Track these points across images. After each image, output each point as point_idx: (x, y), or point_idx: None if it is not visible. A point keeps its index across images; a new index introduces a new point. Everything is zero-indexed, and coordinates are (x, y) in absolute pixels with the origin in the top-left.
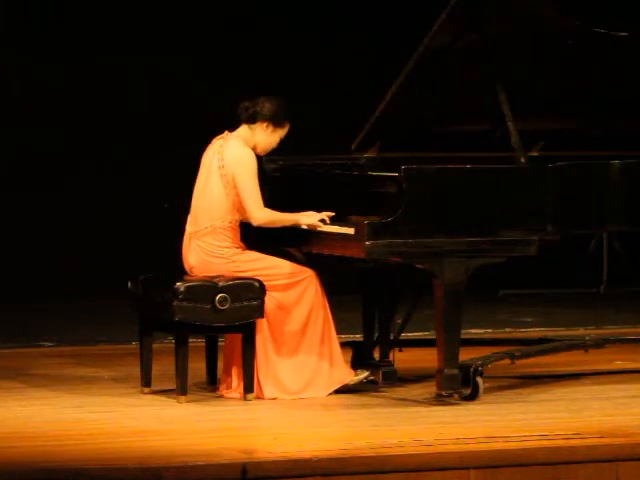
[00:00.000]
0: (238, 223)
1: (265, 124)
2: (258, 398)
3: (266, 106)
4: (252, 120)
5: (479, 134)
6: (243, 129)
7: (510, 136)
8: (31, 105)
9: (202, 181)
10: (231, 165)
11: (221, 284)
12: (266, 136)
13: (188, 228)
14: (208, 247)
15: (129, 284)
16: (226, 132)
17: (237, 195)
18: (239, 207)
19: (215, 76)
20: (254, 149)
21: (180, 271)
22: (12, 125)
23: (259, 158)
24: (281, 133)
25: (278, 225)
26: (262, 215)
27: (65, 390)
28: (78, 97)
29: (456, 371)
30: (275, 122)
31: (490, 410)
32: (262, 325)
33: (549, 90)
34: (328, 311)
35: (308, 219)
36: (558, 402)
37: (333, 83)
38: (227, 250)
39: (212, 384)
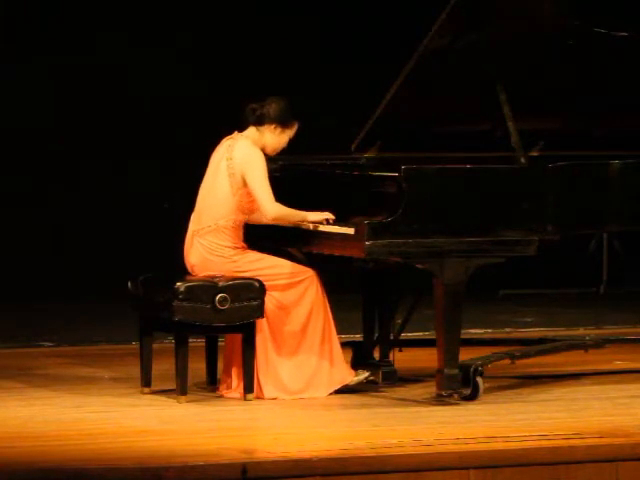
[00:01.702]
0: (242, 223)
1: (273, 126)
2: (258, 398)
3: (273, 108)
4: (260, 122)
5: (479, 134)
6: (251, 130)
7: (510, 136)
8: (32, 105)
9: (209, 180)
10: (241, 165)
11: (221, 284)
12: (274, 137)
13: (191, 226)
14: (210, 245)
15: (129, 284)
16: (235, 132)
17: (243, 196)
18: (244, 208)
19: (216, 75)
20: (263, 150)
21: (180, 271)
22: (13, 124)
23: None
24: (290, 133)
25: (288, 220)
26: (275, 209)
27: (65, 390)
28: (79, 97)
29: (456, 371)
30: (283, 123)
31: (490, 410)
32: (262, 325)
33: (549, 90)
34: (328, 311)
35: (314, 216)
36: (558, 402)
37: (333, 83)
38: (228, 250)
39: (212, 384)
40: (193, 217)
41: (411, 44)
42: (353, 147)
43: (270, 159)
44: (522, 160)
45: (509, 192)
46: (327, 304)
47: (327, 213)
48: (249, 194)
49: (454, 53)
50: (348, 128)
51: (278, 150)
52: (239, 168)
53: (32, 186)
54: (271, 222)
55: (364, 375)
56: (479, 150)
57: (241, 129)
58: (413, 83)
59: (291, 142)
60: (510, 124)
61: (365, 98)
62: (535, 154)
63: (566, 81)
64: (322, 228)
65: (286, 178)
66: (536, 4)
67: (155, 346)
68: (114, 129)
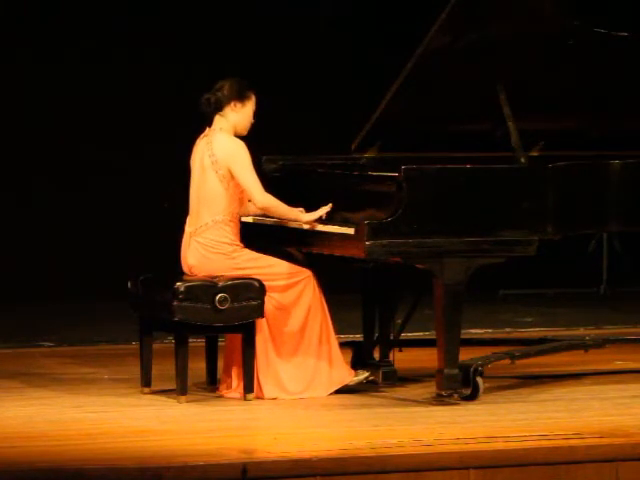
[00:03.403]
0: (238, 216)
1: (232, 104)
2: (258, 398)
3: (224, 88)
4: (219, 107)
5: (479, 134)
6: (218, 120)
7: (510, 136)
8: (32, 103)
9: (196, 181)
10: (224, 159)
11: (221, 284)
12: (238, 114)
13: (187, 228)
14: (208, 242)
15: (129, 284)
16: (207, 129)
17: (235, 187)
18: (239, 198)
19: (215, 76)
20: (237, 133)
21: (180, 271)
22: (13, 123)
23: (258, 158)
24: (251, 105)
25: (278, 213)
26: (265, 199)
27: (65, 390)
28: (78, 96)
29: (456, 371)
30: (239, 97)
31: (490, 410)
32: (262, 325)
33: (549, 90)
34: (326, 312)
35: (309, 216)
36: (558, 402)
37: (333, 83)
38: (227, 246)
39: (212, 384)
40: (189, 219)
41: (411, 44)
42: (353, 147)
43: (270, 159)
44: (522, 160)
45: (509, 192)
46: (324, 305)
47: (322, 208)
48: (239, 184)
49: (454, 53)
50: (348, 128)
51: (248, 126)
52: (223, 163)
53: (32, 185)
54: (260, 211)
55: (364, 375)
56: (479, 150)
57: (209, 124)
58: (413, 83)
59: (291, 142)
60: (510, 124)
61: (365, 98)
62: (535, 154)
63: (566, 81)
64: (322, 228)
65: (286, 178)
66: (536, 4)
67: (155, 346)
68: (114, 128)
